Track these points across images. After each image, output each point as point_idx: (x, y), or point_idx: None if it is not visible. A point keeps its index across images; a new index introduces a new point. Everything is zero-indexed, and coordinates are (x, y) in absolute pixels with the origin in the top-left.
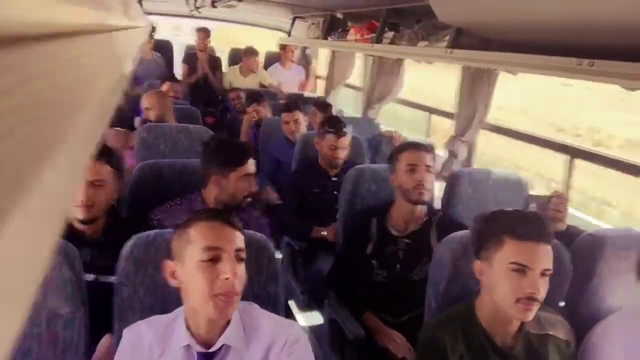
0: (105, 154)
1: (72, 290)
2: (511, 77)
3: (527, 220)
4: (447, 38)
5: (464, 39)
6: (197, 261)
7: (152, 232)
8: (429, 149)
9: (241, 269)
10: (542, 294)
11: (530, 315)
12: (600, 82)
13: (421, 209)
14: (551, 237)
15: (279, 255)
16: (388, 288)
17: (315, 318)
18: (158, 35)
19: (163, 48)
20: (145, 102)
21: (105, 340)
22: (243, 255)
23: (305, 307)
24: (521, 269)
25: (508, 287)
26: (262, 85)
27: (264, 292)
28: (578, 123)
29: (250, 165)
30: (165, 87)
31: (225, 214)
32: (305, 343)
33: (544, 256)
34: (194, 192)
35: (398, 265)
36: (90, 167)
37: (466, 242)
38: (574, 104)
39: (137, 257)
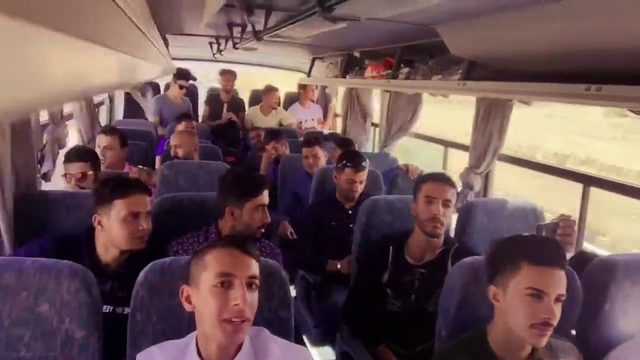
0: (146, 187)
1: (87, 314)
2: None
3: (543, 245)
4: (460, 71)
5: (477, 71)
6: (210, 286)
7: (168, 259)
8: (451, 182)
9: (253, 296)
10: (556, 319)
11: (544, 341)
12: (607, 107)
13: (438, 240)
14: (566, 262)
15: (293, 290)
16: (402, 318)
17: (327, 353)
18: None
19: (189, 92)
20: (173, 140)
21: None
22: (256, 282)
23: (317, 341)
24: (537, 294)
25: (523, 312)
26: (281, 125)
27: (275, 317)
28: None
29: (265, 196)
30: (180, 127)
31: (241, 241)
32: None
33: (560, 282)
34: (211, 225)
35: (413, 295)
36: (143, 199)
37: (477, 267)
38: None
39: (152, 283)
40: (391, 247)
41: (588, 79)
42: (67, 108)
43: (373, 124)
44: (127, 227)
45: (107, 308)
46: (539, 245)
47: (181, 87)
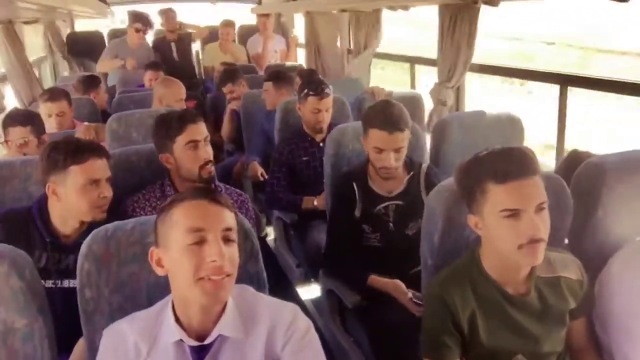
0: (103, 150)
1: (24, 300)
2: None
3: (504, 157)
4: None
5: None
6: (181, 245)
7: (110, 226)
8: (400, 127)
9: (231, 250)
10: (543, 231)
11: (540, 257)
12: None
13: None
14: (535, 167)
15: (271, 231)
16: (385, 250)
17: (313, 290)
18: None
19: None
20: (160, 89)
21: (77, 347)
22: (233, 235)
23: (302, 280)
24: (513, 214)
25: (506, 236)
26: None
27: (245, 273)
28: None
29: (193, 130)
30: (148, 75)
31: (210, 190)
32: (309, 328)
33: (534, 191)
34: (165, 178)
35: (391, 224)
36: (101, 165)
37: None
38: None
39: (97, 254)
40: (354, 183)
41: None
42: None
43: (348, 51)
44: (87, 195)
45: (73, 283)
46: (498, 159)
47: (137, 30)
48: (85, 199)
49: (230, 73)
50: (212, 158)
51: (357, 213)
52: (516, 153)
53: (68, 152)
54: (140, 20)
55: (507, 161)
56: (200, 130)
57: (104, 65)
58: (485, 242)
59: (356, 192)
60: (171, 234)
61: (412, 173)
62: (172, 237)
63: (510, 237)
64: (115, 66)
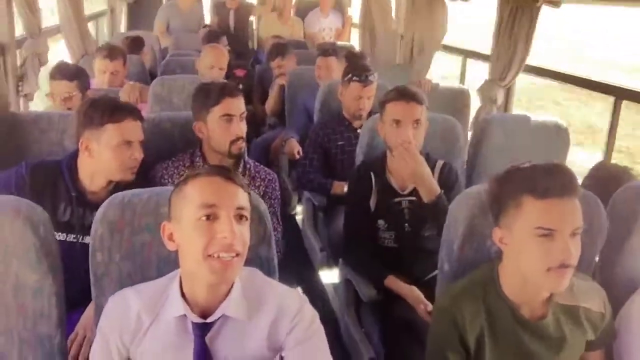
0: (139, 114)
1: (37, 256)
2: None
3: (546, 173)
4: None
5: None
6: (193, 220)
7: (128, 192)
8: (418, 99)
9: (242, 229)
10: (575, 257)
11: (565, 285)
12: None
13: None
14: (577, 187)
15: (300, 211)
16: (400, 251)
17: (334, 276)
18: None
19: None
20: (208, 58)
21: (90, 308)
22: (245, 214)
23: (324, 264)
24: (548, 233)
25: (536, 256)
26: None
27: (255, 257)
28: None
29: (230, 104)
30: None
31: (225, 168)
32: (314, 318)
33: (573, 213)
34: (197, 147)
35: (407, 224)
36: (136, 127)
37: (485, 197)
38: None
39: (112, 219)
40: (372, 173)
41: None
42: (50, 22)
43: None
44: (119, 155)
45: (70, 237)
46: (540, 174)
47: None
48: (117, 158)
49: (280, 47)
50: (244, 135)
51: (372, 204)
52: (560, 170)
53: (106, 110)
54: None
55: (550, 177)
56: (237, 105)
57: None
58: (507, 259)
59: (373, 182)
60: (184, 209)
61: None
62: (185, 212)
63: (540, 258)
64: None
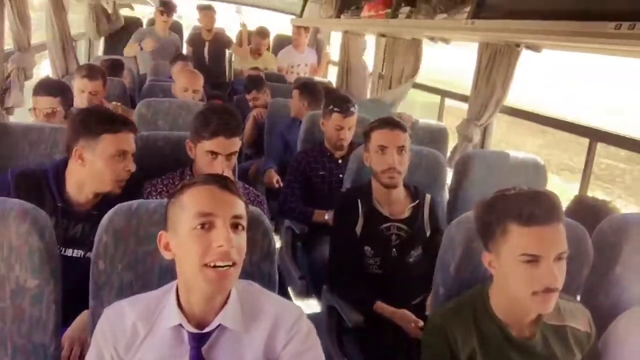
0: (133, 126)
1: (40, 261)
2: None
3: (530, 200)
4: (467, 10)
5: (486, 11)
6: (189, 229)
7: (135, 202)
8: (402, 127)
9: (239, 238)
10: (560, 281)
11: (551, 307)
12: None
13: (399, 192)
14: (561, 213)
15: (278, 241)
16: (386, 277)
17: (313, 305)
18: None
19: (173, 29)
20: (181, 80)
21: (81, 318)
22: (242, 222)
23: (303, 293)
24: (533, 259)
25: (522, 280)
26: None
27: (257, 271)
28: None
29: (222, 144)
30: (178, 66)
31: (221, 178)
32: (311, 331)
33: (556, 239)
34: (187, 166)
35: (394, 250)
36: (131, 139)
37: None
38: None
39: (117, 228)
40: (359, 200)
41: (616, 17)
42: (37, 39)
43: (379, 75)
44: (114, 166)
45: (77, 253)
46: (525, 201)
47: (162, 12)
48: (111, 169)
49: (256, 81)
50: (228, 173)
51: (358, 230)
52: (544, 197)
53: (103, 119)
54: (163, 5)
55: (534, 204)
56: (228, 145)
57: (128, 50)
58: (496, 282)
59: (360, 208)
60: (180, 218)
61: (417, 201)
62: (181, 221)
63: (525, 283)
64: (134, 49)
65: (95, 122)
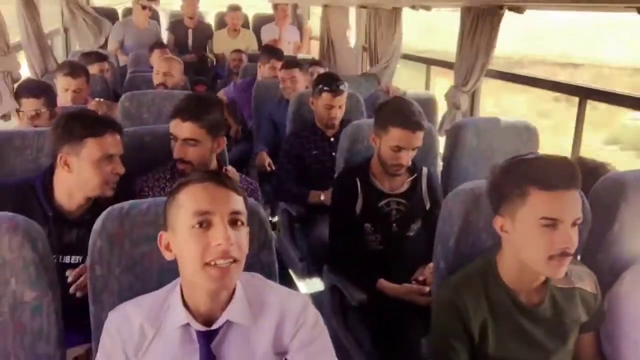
0: (118, 126)
1: (36, 273)
2: None
3: (552, 165)
4: None
5: None
6: (187, 228)
7: (126, 204)
8: (421, 126)
9: (238, 234)
10: (575, 247)
11: (564, 271)
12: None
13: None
14: (579, 180)
15: (275, 224)
16: (387, 253)
17: (315, 285)
18: None
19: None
20: (160, 66)
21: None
22: (241, 218)
23: (304, 274)
24: (552, 223)
25: (538, 244)
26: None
27: (257, 262)
28: None
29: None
30: (156, 53)
31: (217, 174)
32: (318, 319)
33: (575, 204)
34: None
35: (394, 225)
36: (116, 141)
37: (478, 193)
38: None
39: (110, 232)
40: (357, 178)
41: None
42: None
43: (364, 48)
44: (100, 170)
45: (75, 259)
46: (547, 166)
47: (144, 7)
48: (98, 173)
49: (272, 51)
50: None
51: (358, 209)
52: (565, 163)
53: (85, 123)
54: None
55: (556, 169)
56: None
57: (109, 49)
58: (506, 247)
59: (358, 187)
60: (178, 218)
61: (415, 175)
62: (179, 221)
63: (544, 247)
64: (115, 47)
65: (78, 126)
